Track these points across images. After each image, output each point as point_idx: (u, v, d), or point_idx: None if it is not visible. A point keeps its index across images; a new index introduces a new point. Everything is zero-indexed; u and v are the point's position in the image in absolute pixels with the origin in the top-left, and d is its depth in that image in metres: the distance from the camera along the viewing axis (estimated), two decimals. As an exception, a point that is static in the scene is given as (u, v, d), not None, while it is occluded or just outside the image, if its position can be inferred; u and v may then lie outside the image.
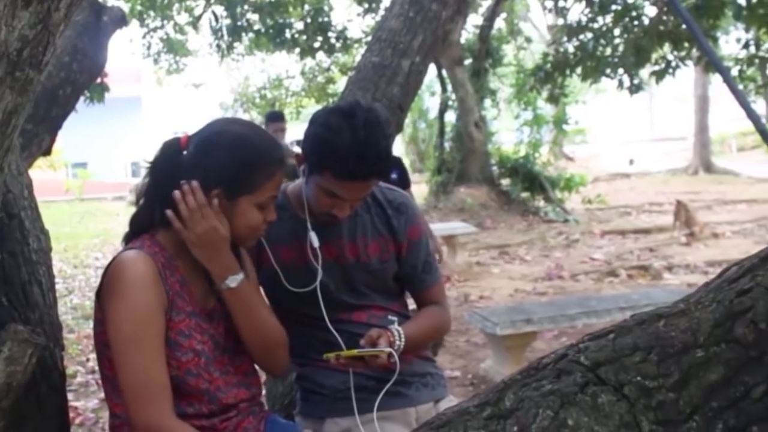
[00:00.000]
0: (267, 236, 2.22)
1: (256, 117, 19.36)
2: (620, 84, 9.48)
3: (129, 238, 2.01)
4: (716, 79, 23.60)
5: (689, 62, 9.84)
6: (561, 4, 10.85)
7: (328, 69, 17.15)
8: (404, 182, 5.98)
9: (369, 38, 15.81)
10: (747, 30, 9.34)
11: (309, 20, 11.29)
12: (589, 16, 10.00)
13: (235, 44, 11.36)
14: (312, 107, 19.91)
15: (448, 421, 1.37)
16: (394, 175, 5.64)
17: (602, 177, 25.02)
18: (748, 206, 16.79)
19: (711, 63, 4.55)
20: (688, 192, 18.93)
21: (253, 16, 10.32)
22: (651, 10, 8.71)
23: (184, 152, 1.98)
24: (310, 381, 2.42)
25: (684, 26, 8.44)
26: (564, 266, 11.25)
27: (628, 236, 14.04)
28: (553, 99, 12.18)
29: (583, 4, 10.06)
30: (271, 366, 2.20)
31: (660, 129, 44.47)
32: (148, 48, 15.19)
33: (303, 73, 17.73)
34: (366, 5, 13.59)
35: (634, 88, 9.24)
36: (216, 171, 1.92)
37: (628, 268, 10.94)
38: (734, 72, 9.97)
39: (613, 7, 9.59)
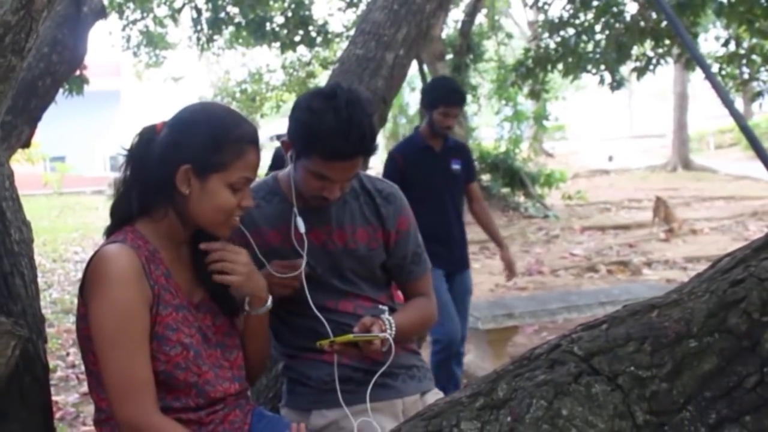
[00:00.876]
0: (255, 219, 2.26)
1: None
2: (601, 80, 9.52)
3: (111, 230, 1.98)
4: (695, 76, 23.75)
5: (670, 59, 9.88)
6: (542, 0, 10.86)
7: (308, 63, 17.09)
8: (468, 174, 5.33)
9: (350, 32, 15.81)
10: (727, 27, 9.40)
11: (290, 14, 11.24)
12: (571, 11, 10.02)
13: (216, 37, 11.28)
14: (293, 102, 19.88)
15: (440, 411, 1.36)
16: (456, 165, 5.18)
17: (582, 173, 25.12)
18: (725, 203, 16.93)
19: (693, 59, 4.56)
20: (666, 189, 19.05)
21: (234, 9, 10.25)
22: (632, 7, 8.74)
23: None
24: (297, 372, 2.41)
25: (665, 23, 8.49)
26: (544, 261, 11.30)
27: (608, 232, 14.12)
28: (534, 95, 12.20)
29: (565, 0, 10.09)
30: (253, 377, 2.22)
31: (639, 126, 44.74)
32: (128, 41, 15.08)
33: (284, 67, 17.67)
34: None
35: (616, 85, 9.27)
36: (186, 147, 1.89)
37: (608, 263, 11.00)
38: (714, 69, 10.04)
39: (595, 3, 9.62)
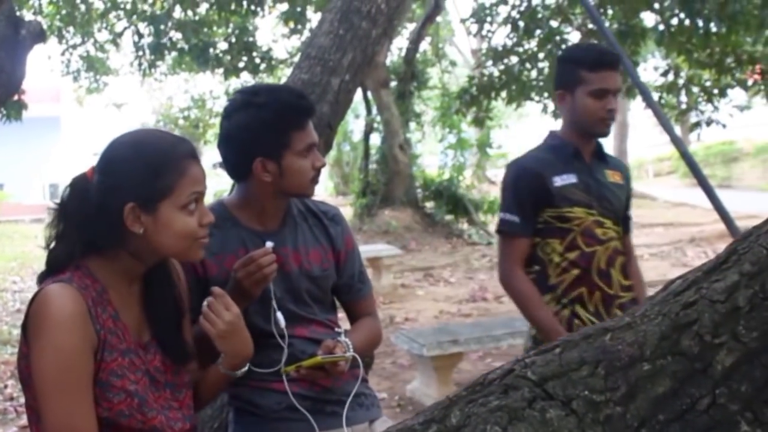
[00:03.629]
0: (210, 247, 2.17)
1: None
2: (545, 108, 9.63)
3: (44, 277, 1.86)
4: (634, 105, 24.23)
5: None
6: (487, 27, 10.98)
7: (253, 90, 17.00)
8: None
9: (294, 59, 15.80)
10: (666, 57, 9.60)
11: (233, 39, 11.19)
12: (514, 40, 10.15)
13: (158, 63, 11.17)
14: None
15: (392, 439, 1.33)
16: None
17: (524, 200, 25.32)
18: (664, 230, 17.20)
19: (635, 86, 4.65)
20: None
21: (177, 35, 10.17)
22: (575, 35, 8.89)
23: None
24: (244, 401, 2.36)
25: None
26: (488, 288, 11.32)
27: (551, 258, 14.22)
28: (478, 122, 12.30)
29: (508, 28, 10.20)
30: (198, 410, 2.14)
31: (579, 154, 45.36)
32: (68, 65, 14.85)
33: (227, 93, 17.56)
34: (292, 26, 13.57)
35: (559, 113, 9.38)
36: (123, 186, 1.80)
37: (552, 289, 11.06)
38: (654, 98, 10.23)
39: (538, 32, 9.75)
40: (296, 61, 4.33)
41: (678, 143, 4.68)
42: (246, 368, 2.02)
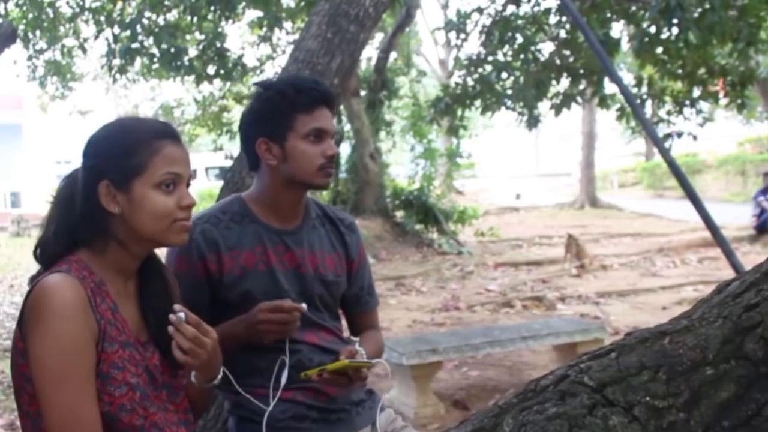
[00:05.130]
0: (224, 241, 2.21)
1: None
2: (520, 117, 9.64)
3: (38, 275, 1.81)
4: (600, 117, 24.44)
5: (584, 97, 10.09)
6: (461, 36, 10.95)
7: (222, 97, 16.87)
8: None
9: (264, 67, 15.70)
10: (641, 68, 9.66)
11: (205, 45, 11.07)
12: (489, 48, 10.15)
13: (128, 68, 11.01)
14: (205, 137, 19.53)
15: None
16: None
17: (492, 210, 25.38)
18: (632, 240, 17.31)
19: (623, 95, 4.64)
20: (576, 225, 19.39)
21: (148, 40, 10.03)
22: (549, 45, 8.91)
23: None
24: (248, 410, 2.28)
25: (581, 62, 8.68)
26: (460, 297, 11.30)
27: (521, 268, 14.24)
28: (452, 131, 12.28)
29: (483, 37, 10.20)
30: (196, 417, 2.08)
31: (545, 165, 45.76)
32: (34, 71, 14.60)
33: (197, 101, 17.41)
34: (261, 33, 13.46)
35: (533, 122, 9.40)
36: (98, 164, 1.80)
37: (523, 299, 11.06)
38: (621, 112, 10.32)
39: (513, 41, 9.76)
40: (267, 69, 4.26)
41: (665, 154, 4.69)
42: (221, 376, 1.94)
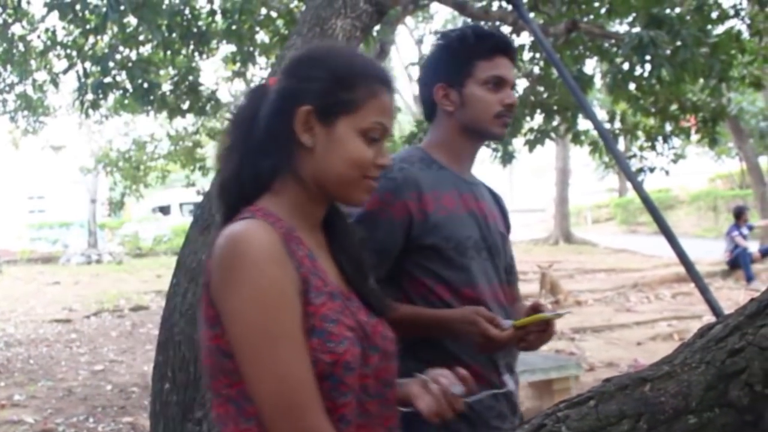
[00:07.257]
0: (425, 181, 2.14)
1: (119, 180, 18.71)
2: (494, 153, 9.64)
3: (227, 216, 1.59)
4: (574, 153, 24.60)
5: (558, 132, 10.13)
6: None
7: (195, 132, 16.78)
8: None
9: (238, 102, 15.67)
10: (613, 103, 9.73)
11: (179, 79, 11.02)
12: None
13: (101, 102, 10.93)
14: (178, 172, 19.37)
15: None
16: None
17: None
18: (606, 275, 17.37)
19: (598, 131, 4.63)
20: (550, 261, 19.45)
21: (121, 74, 9.96)
22: (523, 82, 8.96)
23: None
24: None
25: (555, 98, 8.72)
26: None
27: (496, 304, 14.23)
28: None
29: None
30: None
31: (519, 201, 46.01)
32: (4, 105, 14.45)
33: (170, 136, 17.28)
34: (235, 69, 13.42)
35: (507, 158, 9.41)
36: (304, 87, 1.57)
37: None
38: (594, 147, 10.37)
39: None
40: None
41: (639, 189, 4.67)
42: None
